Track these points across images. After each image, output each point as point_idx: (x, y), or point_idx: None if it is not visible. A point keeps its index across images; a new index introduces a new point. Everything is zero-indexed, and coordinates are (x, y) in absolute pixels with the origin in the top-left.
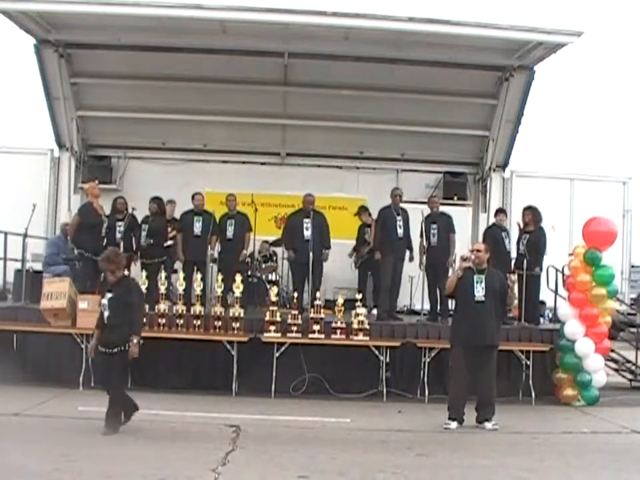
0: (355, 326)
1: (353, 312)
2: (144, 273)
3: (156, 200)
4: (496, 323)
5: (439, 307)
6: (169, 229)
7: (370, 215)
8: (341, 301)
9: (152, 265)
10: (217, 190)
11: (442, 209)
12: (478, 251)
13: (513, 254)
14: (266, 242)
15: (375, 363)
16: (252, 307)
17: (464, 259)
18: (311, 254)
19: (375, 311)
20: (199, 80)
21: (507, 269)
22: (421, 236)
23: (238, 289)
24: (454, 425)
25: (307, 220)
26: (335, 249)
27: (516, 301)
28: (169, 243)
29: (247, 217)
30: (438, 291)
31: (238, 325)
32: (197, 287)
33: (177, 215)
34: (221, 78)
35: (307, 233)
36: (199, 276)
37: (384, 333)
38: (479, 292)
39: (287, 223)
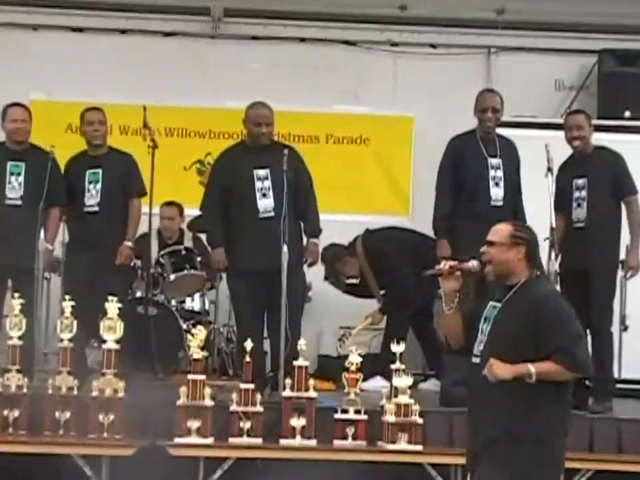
0: (391, 418)
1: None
2: None
3: None
4: None
5: None
6: None
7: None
8: (355, 358)
9: None
10: (62, 97)
11: (600, 139)
12: None
13: None
14: (198, 218)
15: None
16: (146, 373)
17: None
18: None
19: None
20: None
21: None
22: (557, 208)
23: (112, 333)
24: None
25: (260, 171)
26: (334, 234)
27: None
28: None
29: (133, 161)
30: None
31: (112, 418)
32: (12, 330)
33: None
34: None
35: (264, 202)
36: (16, 303)
37: None
38: None
39: (214, 177)
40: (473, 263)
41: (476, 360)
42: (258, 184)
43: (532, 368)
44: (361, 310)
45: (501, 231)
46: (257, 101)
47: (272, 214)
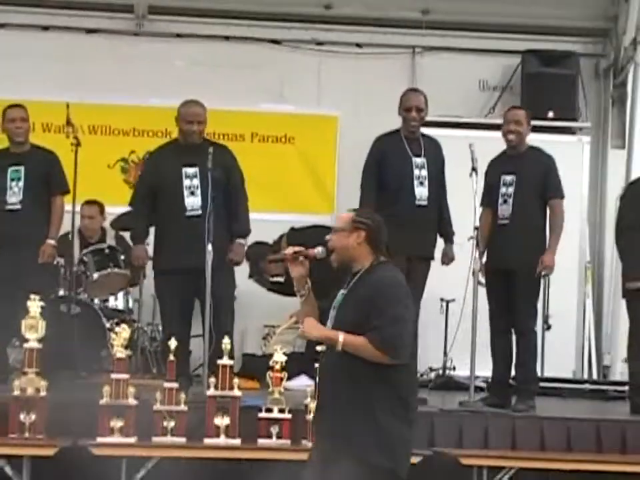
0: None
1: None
2: None
3: None
4: None
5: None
6: None
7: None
8: (280, 357)
9: None
10: None
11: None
12: None
13: None
14: (124, 215)
15: None
16: (69, 372)
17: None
18: (204, 248)
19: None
20: None
21: None
22: (483, 203)
23: (34, 332)
24: None
25: (189, 169)
26: (262, 233)
27: None
28: None
29: (56, 159)
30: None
31: (33, 417)
32: None
33: None
34: None
35: (191, 200)
36: None
37: None
38: None
39: (144, 174)
40: (318, 250)
41: (323, 348)
42: (186, 182)
43: (340, 335)
44: (286, 309)
45: (343, 217)
46: (190, 99)
47: (199, 212)
